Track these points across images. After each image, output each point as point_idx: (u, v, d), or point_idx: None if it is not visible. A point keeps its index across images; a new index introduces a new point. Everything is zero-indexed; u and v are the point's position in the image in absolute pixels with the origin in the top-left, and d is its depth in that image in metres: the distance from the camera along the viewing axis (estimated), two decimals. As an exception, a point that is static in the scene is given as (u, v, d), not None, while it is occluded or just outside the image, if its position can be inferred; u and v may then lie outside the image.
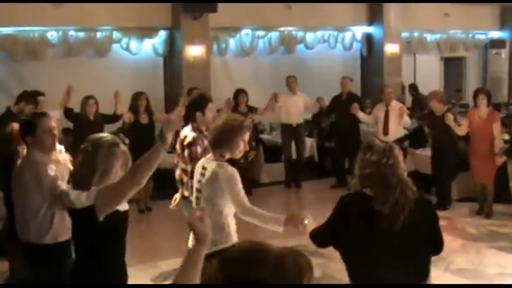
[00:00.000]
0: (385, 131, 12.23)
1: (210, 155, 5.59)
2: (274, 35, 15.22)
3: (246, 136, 5.49)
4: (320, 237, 4.56)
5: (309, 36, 15.68)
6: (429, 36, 17.81)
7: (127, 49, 13.52)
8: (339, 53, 16.37)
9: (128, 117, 11.45)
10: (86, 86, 12.38)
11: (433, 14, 17.21)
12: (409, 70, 17.63)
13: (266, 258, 2.75)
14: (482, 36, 19.07)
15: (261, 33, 15.00)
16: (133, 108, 11.56)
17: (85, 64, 13.14)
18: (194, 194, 5.66)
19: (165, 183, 9.05)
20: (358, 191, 4.37)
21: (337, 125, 13.67)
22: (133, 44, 13.55)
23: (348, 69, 16.46)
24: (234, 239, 5.38)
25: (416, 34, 17.45)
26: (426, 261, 4.37)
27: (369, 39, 16.52)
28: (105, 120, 11.22)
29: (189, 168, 6.71)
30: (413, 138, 12.87)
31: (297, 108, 13.24)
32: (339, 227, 4.35)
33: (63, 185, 5.33)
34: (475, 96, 10.80)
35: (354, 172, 4.48)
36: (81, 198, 4.27)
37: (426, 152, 12.01)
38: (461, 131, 10.73)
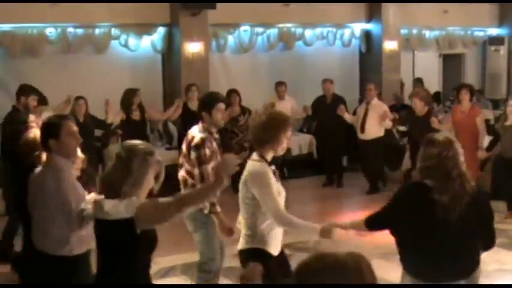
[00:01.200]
0: (362, 129, 12.38)
1: (254, 155, 5.34)
2: (273, 31, 15.18)
3: (289, 132, 5.32)
4: (377, 221, 4.90)
5: (308, 33, 15.65)
6: (428, 33, 17.79)
7: (125, 46, 13.48)
8: (338, 50, 16.35)
9: (120, 116, 11.49)
10: (84, 83, 12.42)
11: (431, 11, 17.19)
12: (408, 67, 17.62)
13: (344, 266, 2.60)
14: (481, 33, 19.05)
15: (259, 29, 14.98)
16: (126, 104, 11.55)
17: (83, 61, 13.12)
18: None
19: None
20: (419, 181, 4.69)
21: (321, 128, 13.61)
22: (132, 40, 13.52)
23: (346, 66, 16.51)
24: (271, 245, 5.28)
25: (415, 31, 17.43)
26: (476, 254, 4.68)
27: (367, 36, 16.51)
28: (95, 124, 11.25)
29: (196, 171, 6.43)
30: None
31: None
32: (398, 214, 4.67)
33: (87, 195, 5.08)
34: (458, 91, 11.14)
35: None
36: (119, 209, 4.12)
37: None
38: (445, 127, 10.80)
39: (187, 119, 11.46)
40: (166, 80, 14.13)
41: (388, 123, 12.38)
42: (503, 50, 19.16)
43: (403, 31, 16.78)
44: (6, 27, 12.21)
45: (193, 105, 11.88)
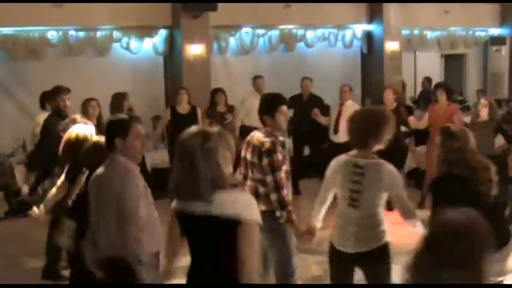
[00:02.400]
0: (335, 130, 12.18)
1: (354, 153, 5.29)
2: (274, 33, 15.20)
3: (392, 125, 5.34)
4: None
5: (309, 34, 15.66)
6: (429, 34, 17.80)
7: (127, 48, 13.50)
8: (339, 51, 16.36)
9: None
10: (86, 86, 12.40)
11: (433, 11, 17.20)
12: (410, 68, 17.64)
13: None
14: (483, 33, 19.06)
15: (261, 31, 14.98)
16: (116, 108, 11.48)
17: (85, 64, 13.14)
18: (347, 194, 5.26)
19: (163, 182, 9.01)
20: (446, 172, 5.20)
21: (294, 125, 12.95)
22: (134, 43, 13.53)
23: (348, 67, 16.53)
24: (387, 236, 5.33)
25: (416, 31, 17.44)
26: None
27: (369, 37, 16.51)
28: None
29: (269, 178, 5.88)
30: (416, 136, 12.86)
31: None
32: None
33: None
34: (435, 91, 11.59)
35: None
36: (225, 204, 3.72)
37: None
38: (421, 125, 11.65)
39: (177, 122, 11.41)
40: (168, 82, 14.15)
41: None
42: (504, 50, 19.19)
43: (405, 32, 16.78)
44: (8, 30, 12.23)
45: (183, 108, 11.80)
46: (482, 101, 10.56)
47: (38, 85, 11.62)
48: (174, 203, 4.00)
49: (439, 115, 11.07)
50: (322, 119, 12.42)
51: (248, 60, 15.05)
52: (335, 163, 5.46)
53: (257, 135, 6.15)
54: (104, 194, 4.71)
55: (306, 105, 12.81)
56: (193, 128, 3.90)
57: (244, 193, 3.96)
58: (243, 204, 3.75)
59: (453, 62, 19.32)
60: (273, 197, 5.85)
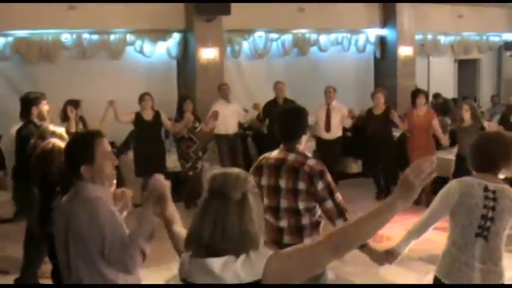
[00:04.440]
0: (327, 128, 12.83)
1: (478, 175, 4.56)
2: (287, 37, 15.19)
3: None
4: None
5: (323, 39, 15.65)
6: (443, 39, 17.73)
7: (141, 52, 13.53)
8: (353, 56, 16.34)
9: (129, 118, 11.44)
10: (99, 89, 12.44)
11: (446, 16, 17.14)
12: (423, 73, 17.57)
13: None
14: (497, 38, 18.98)
15: (274, 35, 14.99)
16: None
17: (99, 67, 13.16)
18: (476, 222, 4.44)
19: (177, 186, 9.01)
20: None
21: (269, 131, 12.81)
22: (147, 46, 13.56)
23: (361, 71, 16.50)
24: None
25: (429, 36, 17.38)
26: None
27: (382, 41, 16.48)
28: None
29: (328, 204, 4.95)
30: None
31: (233, 117, 12.75)
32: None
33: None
34: (415, 96, 11.85)
35: None
36: (236, 271, 2.85)
37: (442, 155, 12.07)
38: (404, 127, 12.11)
39: (142, 129, 11.39)
40: (181, 86, 14.14)
41: (349, 122, 13.09)
42: (518, 55, 19.12)
43: (418, 36, 16.74)
44: (22, 33, 12.27)
45: (147, 114, 11.51)
46: (464, 106, 11.06)
47: (52, 88, 11.61)
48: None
49: (417, 120, 11.69)
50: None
51: (261, 64, 15.05)
52: (462, 185, 4.59)
53: (290, 157, 5.06)
54: (70, 229, 3.88)
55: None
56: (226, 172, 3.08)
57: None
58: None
59: (467, 67, 19.25)
60: (339, 224, 4.84)
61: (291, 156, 5.04)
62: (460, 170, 11.20)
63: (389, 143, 12.48)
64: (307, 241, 4.91)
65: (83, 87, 12.23)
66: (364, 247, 4.72)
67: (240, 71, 14.92)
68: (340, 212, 4.88)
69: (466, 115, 10.83)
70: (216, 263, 2.88)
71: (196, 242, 2.97)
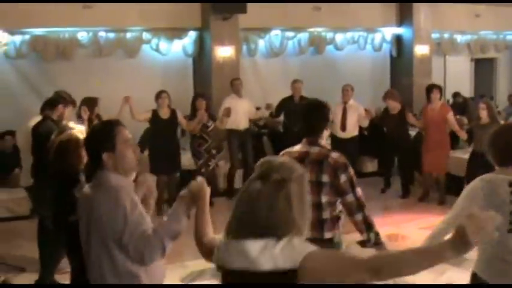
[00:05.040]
0: (343, 128, 12.73)
1: (501, 171, 4.44)
2: (303, 36, 15.18)
3: None
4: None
5: (339, 37, 15.61)
6: (459, 37, 17.63)
7: (157, 50, 13.56)
8: (369, 54, 16.29)
9: (145, 116, 11.43)
10: (116, 87, 12.47)
11: (463, 15, 17.06)
12: (440, 71, 17.49)
13: None
14: (514, 37, 18.88)
15: (290, 34, 14.97)
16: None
17: (115, 65, 13.21)
18: (507, 219, 4.28)
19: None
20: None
21: (286, 127, 13.25)
22: (163, 44, 13.58)
23: (377, 70, 16.44)
24: None
25: (446, 35, 17.29)
26: None
27: (398, 40, 16.41)
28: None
29: (350, 198, 5.07)
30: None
31: (244, 112, 12.60)
32: None
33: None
34: (429, 91, 11.88)
35: None
36: (274, 255, 2.82)
37: (458, 154, 12.07)
38: (419, 124, 12.22)
39: (158, 127, 11.37)
40: (197, 84, 14.15)
41: (366, 122, 12.90)
42: (536, 54, 19.01)
43: (435, 35, 16.66)
44: (39, 31, 12.33)
45: (163, 112, 11.48)
46: (481, 104, 11.01)
47: (68, 85, 11.65)
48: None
49: (432, 115, 11.68)
50: None
51: (277, 62, 15.04)
52: (485, 184, 4.45)
53: (314, 149, 5.15)
54: (92, 221, 3.87)
55: (298, 107, 12.77)
56: (272, 158, 3.11)
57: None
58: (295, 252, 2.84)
59: (483, 66, 19.15)
60: (358, 217, 5.01)
61: (314, 149, 5.12)
62: (474, 166, 11.33)
63: (406, 141, 12.47)
64: (327, 235, 4.94)
65: (99, 85, 12.26)
66: (377, 248, 4.85)
67: (256, 69, 14.91)
68: (360, 207, 4.98)
69: (483, 113, 10.83)
70: (254, 246, 2.85)
71: (236, 223, 2.96)
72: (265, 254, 2.83)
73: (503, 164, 4.49)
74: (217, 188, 12.35)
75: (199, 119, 11.54)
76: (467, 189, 4.57)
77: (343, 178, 4.97)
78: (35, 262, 8.35)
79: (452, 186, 12.30)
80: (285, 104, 12.92)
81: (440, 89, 12.12)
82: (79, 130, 6.24)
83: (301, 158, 5.02)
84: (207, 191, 3.69)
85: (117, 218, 3.72)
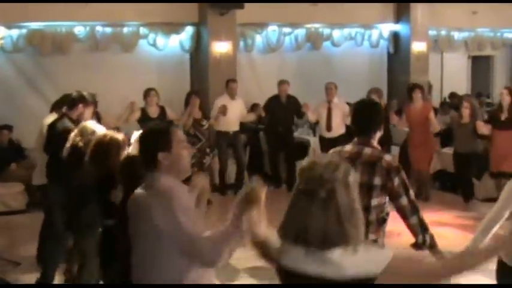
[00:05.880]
0: (329, 128, 12.58)
1: None
2: (300, 31, 15.16)
3: None
4: None
5: (336, 34, 15.59)
6: (456, 35, 17.62)
7: (153, 45, 13.53)
8: (366, 51, 16.27)
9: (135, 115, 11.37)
10: (112, 82, 12.48)
11: (460, 12, 17.03)
12: (436, 69, 17.50)
13: None
14: (511, 35, 18.84)
15: (287, 29, 14.95)
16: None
17: (111, 59, 13.18)
18: None
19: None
20: None
21: (271, 128, 13.13)
22: (160, 39, 13.55)
23: (374, 67, 16.44)
24: None
25: (443, 32, 17.28)
26: None
27: (395, 37, 16.41)
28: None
29: (403, 201, 4.97)
30: (442, 138, 12.82)
31: (235, 115, 12.50)
32: None
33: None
34: (411, 91, 12.06)
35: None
36: (356, 263, 2.92)
37: (448, 150, 12.16)
38: (401, 124, 12.44)
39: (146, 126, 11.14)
40: (193, 80, 14.12)
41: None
42: (532, 51, 19.02)
43: (432, 32, 16.64)
44: (36, 25, 12.30)
45: (152, 111, 11.47)
46: (465, 103, 11.26)
47: (65, 80, 11.68)
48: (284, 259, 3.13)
49: (415, 114, 11.81)
50: (310, 114, 12.67)
51: (274, 58, 15.03)
52: None
53: (366, 151, 5.03)
54: (145, 222, 3.79)
55: (285, 105, 12.86)
56: (325, 156, 3.24)
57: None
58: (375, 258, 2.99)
59: (480, 64, 19.14)
60: (413, 220, 4.94)
61: (367, 150, 5.01)
62: (460, 167, 11.53)
63: (388, 140, 12.17)
64: (372, 236, 4.89)
65: (96, 80, 12.24)
66: (431, 251, 4.95)
67: (253, 65, 14.89)
68: (414, 209, 4.92)
69: (466, 112, 11.06)
70: (332, 254, 2.93)
71: (295, 239, 3.02)
72: (346, 261, 2.91)
73: None
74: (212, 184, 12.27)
75: (189, 113, 11.50)
76: (506, 189, 4.82)
77: (396, 181, 4.88)
78: (30, 257, 8.36)
79: (446, 182, 12.43)
80: (271, 104, 12.91)
81: (422, 88, 12.28)
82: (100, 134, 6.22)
83: (353, 159, 4.90)
84: (263, 194, 3.61)
85: (171, 221, 3.64)
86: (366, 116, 5.19)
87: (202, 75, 13.71)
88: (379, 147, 5.12)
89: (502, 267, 4.92)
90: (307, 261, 2.98)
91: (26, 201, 11.36)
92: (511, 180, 4.84)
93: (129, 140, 6.23)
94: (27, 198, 11.39)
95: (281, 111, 12.67)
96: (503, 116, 10.76)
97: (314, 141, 13.35)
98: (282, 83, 12.97)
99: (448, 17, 16.80)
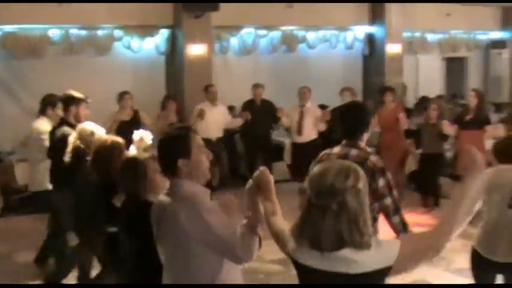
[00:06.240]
0: (300, 132, 12.36)
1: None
2: (276, 34, 15.19)
3: None
4: None
5: (311, 36, 15.65)
6: (431, 37, 17.76)
7: (128, 47, 13.49)
8: (341, 53, 16.34)
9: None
10: (87, 84, 12.38)
11: (434, 14, 17.17)
12: (411, 70, 17.60)
13: None
14: (484, 37, 19.01)
15: (262, 32, 14.97)
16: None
17: (86, 62, 13.12)
18: (508, 195, 5.32)
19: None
20: None
21: (248, 131, 13.11)
22: (135, 42, 13.52)
23: (349, 68, 16.51)
24: None
25: (417, 34, 17.40)
26: None
27: (370, 39, 16.50)
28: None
29: (387, 201, 5.12)
30: (415, 139, 12.87)
31: (217, 122, 12.37)
32: None
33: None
34: (382, 93, 12.18)
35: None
36: (369, 258, 3.07)
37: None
38: (374, 126, 12.20)
39: (120, 130, 10.62)
40: (169, 82, 14.11)
41: (322, 125, 12.34)
42: (505, 53, 19.17)
43: (406, 34, 16.75)
44: (9, 28, 12.23)
45: (125, 114, 11.23)
46: (432, 105, 11.51)
47: (39, 83, 11.62)
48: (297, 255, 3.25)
49: (386, 116, 11.84)
50: (284, 119, 12.48)
51: (249, 60, 15.04)
52: (493, 172, 5.41)
53: (353, 152, 5.16)
54: (173, 231, 3.76)
55: (260, 109, 12.82)
56: (335, 162, 3.27)
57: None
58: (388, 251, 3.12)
59: (454, 65, 19.27)
60: (395, 219, 5.10)
61: (354, 152, 5.12)
62: (426, 168, 11.70)
63: None
64: None
65: (71, 83, 12.09)
66: None
67: (228, 67, 14.89)
68: (397, 209, 5.05)
69: (433, 114, 11.31)
70: (347, 252, 3.05)
71: (311, 245, 3.12)
72: (359, 257, 3.04)
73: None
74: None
75: (165, 117, 11.43)
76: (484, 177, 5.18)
77: (381, 182, 4.99)
78: (5, 261, 8.33)
79: (421, 183, 12.48)
80: (247, 108, 12.85)
81: (393, 90, 12.32)
82: (100, 136, 6.23)
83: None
84: (271, 179, 3.74)
85: (199, 225, 3.65)
86: (353, 118, 5.29)
87: (178, 78, 13.70)
88: (367, 149, 5.23)
89: (475, 256, 5.42)
90: (323, 260, 3.09)
91: (1, 206, 11.28)
92: (483, 173, 4.94)
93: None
94: (2, 202, 11.30)
95: (256, 115, 12.60)
96: (469, 117, 10.92)
97: (289, 143, 13.29)
98: (256, 86, 12.95)
99: (422, 19, 16.92)
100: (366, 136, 5.24)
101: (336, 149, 5.26)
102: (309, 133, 12.35)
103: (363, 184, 3.11)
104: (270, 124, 13.03)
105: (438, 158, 11.44)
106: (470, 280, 5.99)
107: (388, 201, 5.02)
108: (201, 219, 3.64)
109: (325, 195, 3.04)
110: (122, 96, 11.33)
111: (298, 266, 3.26)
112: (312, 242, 3.08)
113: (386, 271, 3.07)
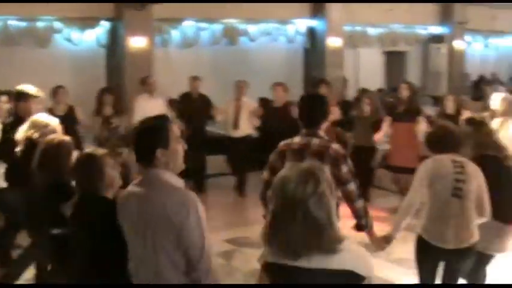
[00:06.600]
0: (235, 125, 12.33)
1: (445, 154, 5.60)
2: (217, 27, 15.24)
3: None
4: None
5: (252, 29, 15.73)
6: (371, 30, 17.98)
7: (68, 40, 13.39)
8: (282, 46, 16.46)
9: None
10: (27, 77, 12.23)
11: (375, 9, 17.34)
12: (352, 64, 17.80)
13: None
14: (424, 31, 19.33)
15: (204, 25, 15.01)
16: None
17: (26, 54, 13.01)
18: (450, 185, 5.46)
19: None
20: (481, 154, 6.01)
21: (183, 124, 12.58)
22: (75, 34, 13.42)
23: (290, 62, 16.66)
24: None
25: (358, 28, 17.60)
26: None
27: (311, 32, 16.63)
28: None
29: (351, 187, 5.35)
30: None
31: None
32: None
33: None
34: (317, 85, 12.14)
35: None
36: (340, 259, 3.10)
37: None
38: None
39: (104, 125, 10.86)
40: (110, 75, 14.05)
41: (255, 120, 12.34)
42: (444, 48, 19.51)
43: (347, 28, 16.92)
44: None
45: (60, 109, 10.57)
46: (366, 100, 11.69)
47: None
48: (272, 258, 3.21)
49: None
50: (219, 117, 12.50)
51: (190, 53, 15.07)
52: (432, 162, 5.62)
53: (315, 141, 5.27)
54: (152, 219, 3.72)
55: (196, 103, 12.70)
56: (294, 168, 3.19)
57: (359, 246, 3.21)
58: (363, 260, 3.16)
59: (394, 59, 19.58)
60: (358, 204, 5.33)
61: (315, 141, 5.25)
62: (358, 160, 11.70)
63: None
64: None
65: (10, 75, 12.05)
66: (369, 232, 5.48)
67: (169, 60, 14.91)
68: (360, 195, 5.33)
69: (367, 108, 11.51)
70: (318, 254, 3.05)
71: (275, 245, 3.13)
72: (331, 258, 3.05)
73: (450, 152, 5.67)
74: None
75: (98, 111, 11.21)
76: (424, 169, 5.65)
77: (344, 168, 5.16)
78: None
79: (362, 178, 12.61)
80: (183, 100, 12.73)
81: (328, 83, 12.37)
82: (54, 127, 6.12)
83: (301, 150, 5.22)
84: None
85: (195, 219, 3.66)
86: (312, 107, 5.43)
87: (118, 70, 13.64)
88: (326, 137, 5.34)
89: (422, 244, 5.67)
90: (295, 260, 3.07)
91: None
92: (422, 164, 5.67)
93: None
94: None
95: (192, 108, 12.51)
96: (401, 108, 10.99)
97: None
98: (193, 79, 12.76)
99: (364, 13, 17.11)
100: (324, 125, 5.37)
101: (297, 139, 5.35)
102: (245, 127, 12.33)
103: (324, 186, 3.08)
104: (204, 119, 12.86)
105: (369, 150, 11.50)
106: (411, 270, 6.19)
107: (351, 186, 5.22)
108: (191, 212, 3.64)
109: (289, 207, 3.02)
110: (56, 90, 10.83)
111: (274, 268, 3.21)
112: (282, 246, 3.08)
113: (359, 278, 3.07)
